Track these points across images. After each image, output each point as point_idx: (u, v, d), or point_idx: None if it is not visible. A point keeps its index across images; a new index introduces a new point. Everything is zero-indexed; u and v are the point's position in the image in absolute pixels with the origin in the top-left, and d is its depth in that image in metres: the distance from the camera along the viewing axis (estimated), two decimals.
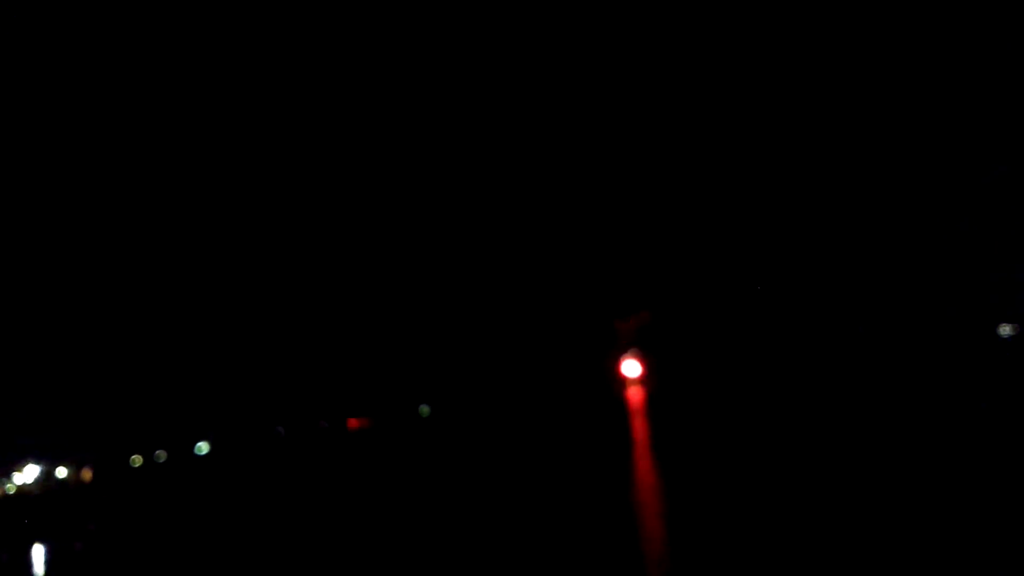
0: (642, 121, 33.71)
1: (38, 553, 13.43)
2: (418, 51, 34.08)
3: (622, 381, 38.08)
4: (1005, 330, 30.68)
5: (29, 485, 52.24)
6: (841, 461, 8.50)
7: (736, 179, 33.25)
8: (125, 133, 35.81)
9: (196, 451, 48.03)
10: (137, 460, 49.54)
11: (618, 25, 32.88)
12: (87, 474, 51.18)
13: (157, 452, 49.20)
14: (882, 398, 15.68)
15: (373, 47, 34.10)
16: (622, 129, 34.15)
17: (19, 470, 52.88)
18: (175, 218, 38.33)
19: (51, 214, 37.55)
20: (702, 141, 33.31)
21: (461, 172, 36.25)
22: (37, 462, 52.35)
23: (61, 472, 52.78)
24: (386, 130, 36.11)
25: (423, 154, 36.26)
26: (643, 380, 37.63)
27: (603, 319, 38.43)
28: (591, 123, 34.42)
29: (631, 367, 38.13)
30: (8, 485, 52.62)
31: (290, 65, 34.36)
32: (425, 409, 43.03)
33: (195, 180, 37.39)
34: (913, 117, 30.40)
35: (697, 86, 32.97)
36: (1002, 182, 28.57)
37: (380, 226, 37.82)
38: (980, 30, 27.93)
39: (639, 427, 18.14)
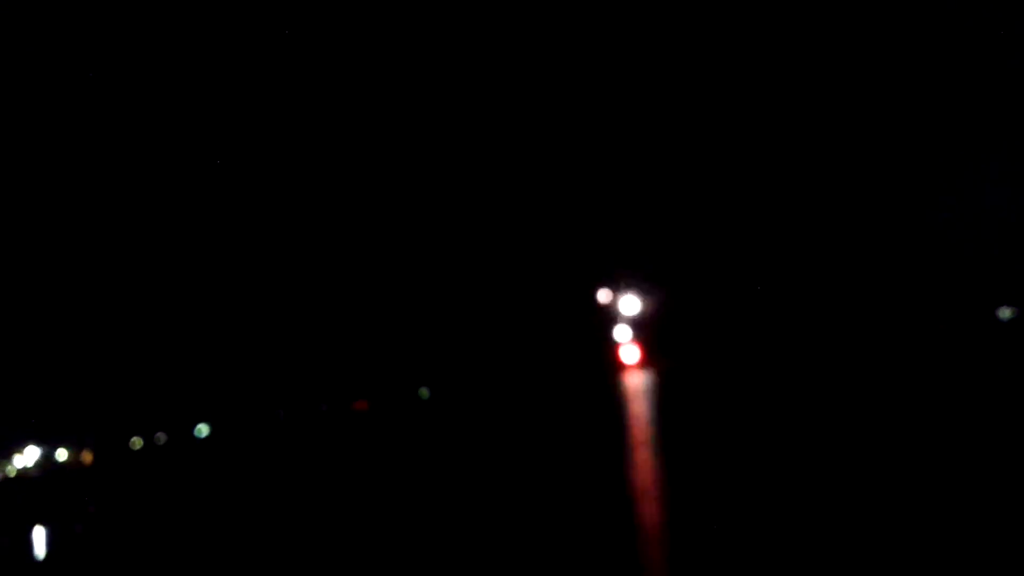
0: (643, 121, 33.65)
1: (39, 535, 13.46)
2: (416, 51, 33.94)
3: (621, 366, 38.18)
4: (1005, 313, 30.71)
5: (29, 468, 52.43)
6: (840, 448, 8.49)
7: (735, 163, 33.17)
8: (125, 127, 35.73)
9: (196, 433, 48.20)
10: (137, 442, 49.73)
11: (621, 26, 32.73)
12: (87, 456, 51.36)
13: (157, 434, 49.38)
14: (882, 381, 15.71)
15: (373, 47, 33.95)
16: (622, 130, 34.07)
17: (19, 452, 53.08)
18: (175, 205, 38.26)
19: (50, 202, 37.49)
20: (703, 138, 33.25)
21: (459, 165, 36.20)
22: (38, 444, 52.55)
23: (61, 454, 52.98)
24: (383, 124, 36.03)
25: (420, 148, 36.18)
26: (642, 365, 37.72)
27: (600, 305, 38.48)
28: (593, 123, 34.34)
29: (629, 350, 38.20)
30: (8, 467, 52.80)
31: (290, 66, 34.25)
32: (424, 391, 43.15)
33: (194, 169, 37.31)
34: (913, 104, 30.31)
35: (698, 87, 32.87)
36: (1001, 167, 28.51)
37: (379, 213, 37.78)
38: (979, 28, 27.84)
39: (638, 411, 18.16)
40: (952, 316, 30.71)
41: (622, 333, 38.04)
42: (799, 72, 31.33)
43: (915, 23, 28.68)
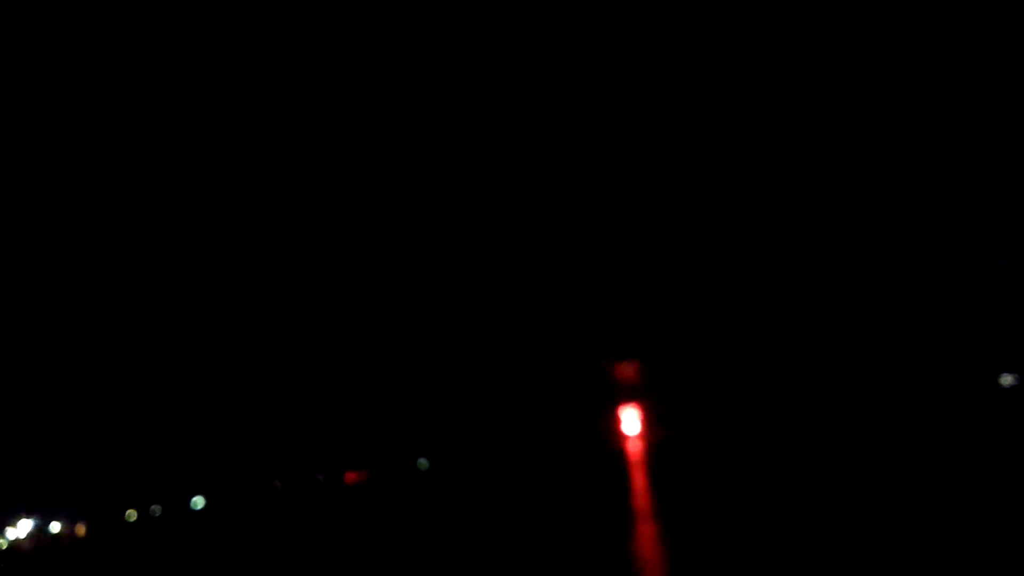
0: (635, 165, 33.91)
1: None
2: (414, 63, 34.16)
3: (621, 434, 37.87)
4: (1007, 380, 30.59)
5: (22, 540, 51.57)
6: (840, 510, 8.39)
7: (735, 231, 33.36)
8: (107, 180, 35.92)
9: (192, 506, 47.57)
10: (132, 515, 49.02)
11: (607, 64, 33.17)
12: (81, 529, 50.55)
13: (152, 507, 48.71)
14: (883, 448, 15.59)
15: (373, 48, 34.11)
16: (615, 176, 34.33)
17: (12, 525, 52.25)
18: (170, 272, 38.36)
19: (46, 268, 37.58)
20: (700, 186, 33.48)
21: (458, 222, 36.39)
22: (30, 517, 51.76)
23: (55, 527, 52.13)
24: (386, 184, 36.30)
25: (422, 204, 36.40)
26: (643, 431, 37.43)
27: (600, 370, 38.32)
28: (585, 170, 34.61)
29: (630, 420, 37.94)
30: (0, 540, 51.95)
31: (290, 71, 34.38)
32: (424, 462, 42.71)
33: (193, 232, 37.49)
34: (918, 163, 30.61)
35: (693, 129, 33.22)
36: (1003, 232, 28.69)
37: (377, 280, 37.86)
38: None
39: (639, 480, 17.97)
40: (954, 383, 30.60)
41: (623, 401, 37.85)
42: (790, 154, 31.67)
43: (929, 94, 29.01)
